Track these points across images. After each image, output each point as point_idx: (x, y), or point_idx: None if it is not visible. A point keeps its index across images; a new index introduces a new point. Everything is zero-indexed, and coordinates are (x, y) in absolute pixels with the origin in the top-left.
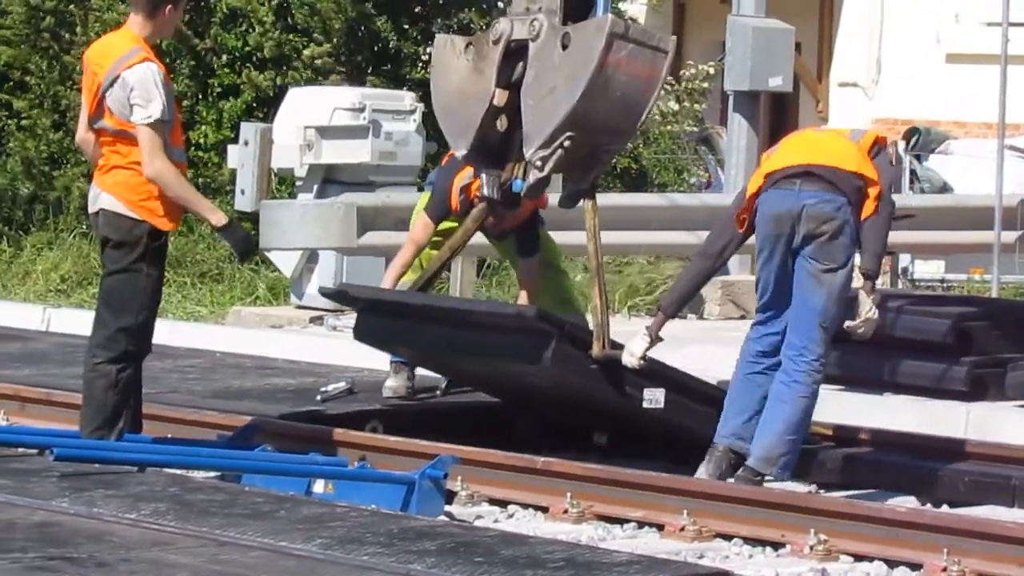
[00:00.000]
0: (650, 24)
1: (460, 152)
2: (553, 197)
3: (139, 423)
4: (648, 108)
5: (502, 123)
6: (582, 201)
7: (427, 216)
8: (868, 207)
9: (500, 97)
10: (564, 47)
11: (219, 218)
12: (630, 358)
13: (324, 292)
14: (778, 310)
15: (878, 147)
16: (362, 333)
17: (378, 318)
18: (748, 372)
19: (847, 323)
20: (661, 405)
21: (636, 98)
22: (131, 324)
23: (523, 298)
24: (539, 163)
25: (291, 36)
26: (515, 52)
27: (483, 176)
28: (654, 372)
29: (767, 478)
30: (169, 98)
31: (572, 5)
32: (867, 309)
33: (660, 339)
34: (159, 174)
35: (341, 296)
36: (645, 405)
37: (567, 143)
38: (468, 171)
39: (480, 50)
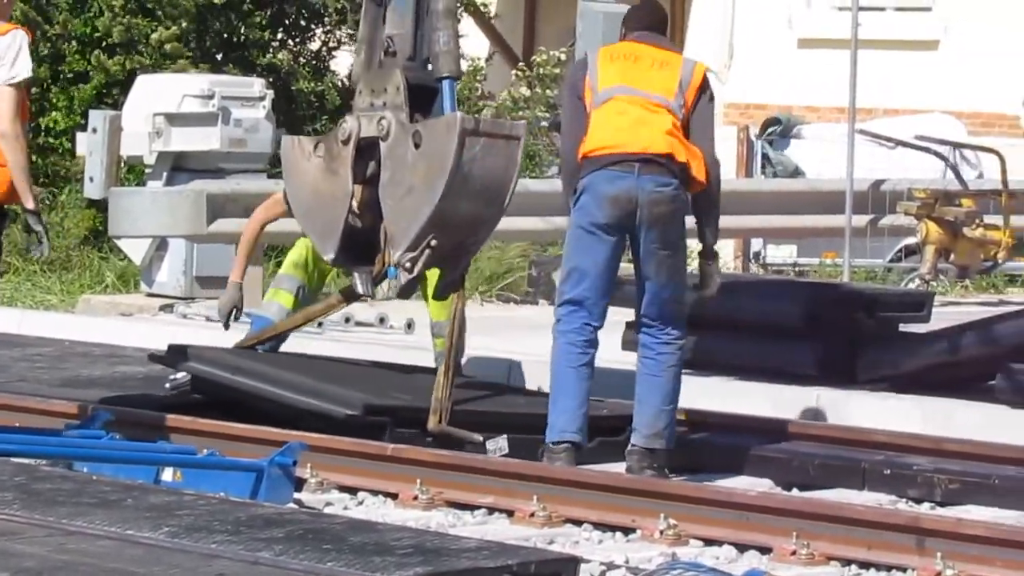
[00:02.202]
0: (503, 10)
1: (328, 256)
2: None
3: None
4: (509, 194)
5: (364, 220)
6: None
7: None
8: (695, 184)
9: (358, 194)
10: (416, 145)
11: (35, 203)
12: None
13: (152, 357)
14: (593, 299)
15: (705, 84)
16: (200, 391)
17: (212, 385)
18: (578, 364)
19: (698, 293)
20: (506, 451)
21: (496, 188)
22: None
23: None
24: (408, 265)
25: (140, 20)
26: (366, 148)
27: (355, 275)
28: (489, 424)
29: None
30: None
31: (416, 96)
32: (715, 283)
33: None
34: (14, 135)
35: (172, 363)
36: (491, 456)
37: (433, 242)
38: None
39: (331, 150)
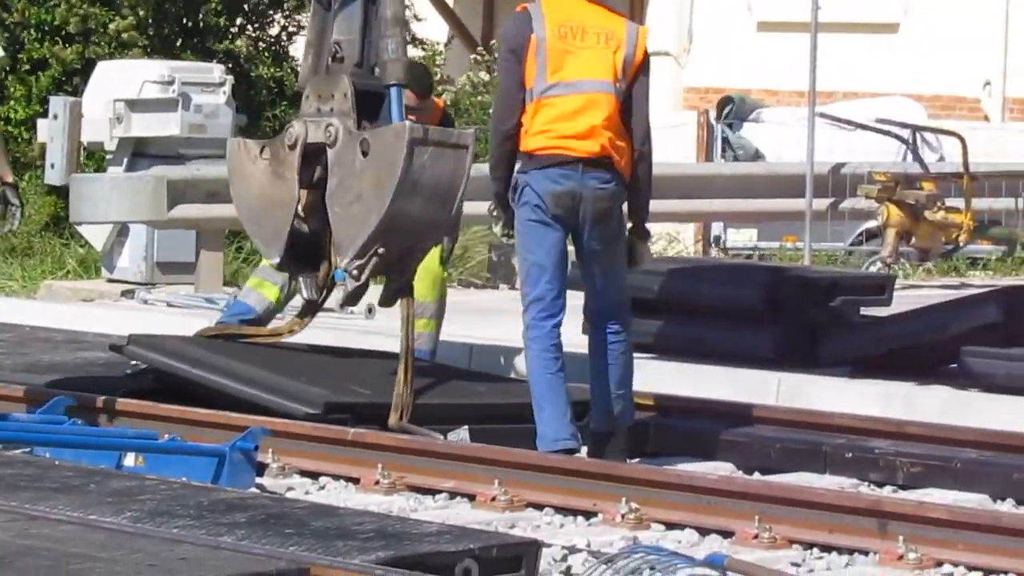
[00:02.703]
0: None
1: (273, 260)
2: None
3: None
4: (458, 201)
5: (310, 225)
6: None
7: None
8: (628, 168)
9: (304, 199)
10: (364, 153)
11: (10, 176)
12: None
13: (113, 348)
14: (556, 290)
15: (645, 60)
16: (160, 380)
17: (173, 378)
18: (554, 370)
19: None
20: (468, 442)
21: (444, 195)
22: None
23: None
24: (355, 272)
25: (97, 10)
26: (313, 153)
27: (301, 280)
28: (451, 416)
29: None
30: None
31: (363, 102)
32: (643, 260)
33: None
34: None
35: (133, 355)
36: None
37: (381, 250)
38: None
39: (277, 154)
